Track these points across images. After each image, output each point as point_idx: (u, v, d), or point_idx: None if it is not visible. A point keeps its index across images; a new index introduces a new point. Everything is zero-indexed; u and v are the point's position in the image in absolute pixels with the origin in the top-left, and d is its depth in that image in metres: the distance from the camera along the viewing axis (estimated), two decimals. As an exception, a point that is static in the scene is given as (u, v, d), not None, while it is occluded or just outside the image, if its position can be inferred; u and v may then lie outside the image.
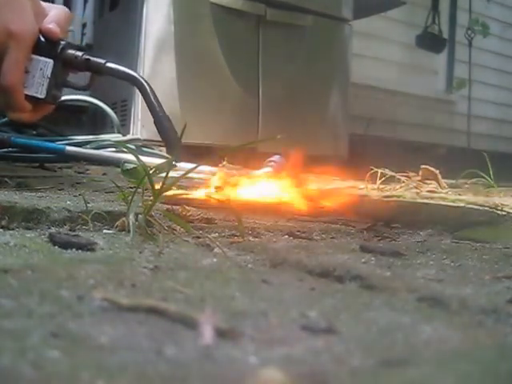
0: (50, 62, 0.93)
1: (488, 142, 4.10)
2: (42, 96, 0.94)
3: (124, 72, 0.97)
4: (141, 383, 0.25)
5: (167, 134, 0.93)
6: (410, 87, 3.79)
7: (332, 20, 2.66)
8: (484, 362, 0.31)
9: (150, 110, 0.94)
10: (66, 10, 1.00)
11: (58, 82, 0.95)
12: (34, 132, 1.73)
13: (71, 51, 0.95)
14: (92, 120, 2.43)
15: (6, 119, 1.60)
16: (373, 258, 0.60)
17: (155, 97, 0.94)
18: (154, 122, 0.94)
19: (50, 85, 0.94)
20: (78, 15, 2.59)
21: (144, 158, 0.75)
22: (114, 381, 0.25)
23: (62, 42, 0.94)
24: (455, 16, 4.15)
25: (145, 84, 0.94)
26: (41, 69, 0.93)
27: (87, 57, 0.95)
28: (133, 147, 1.39)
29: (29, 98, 0.93)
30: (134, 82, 0.96)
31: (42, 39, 0.92)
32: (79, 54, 0.95)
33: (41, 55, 0.93)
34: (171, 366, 0.27)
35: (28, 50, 0.90)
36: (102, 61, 0.95)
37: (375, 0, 3.16)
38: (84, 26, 2.66)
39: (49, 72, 0.93)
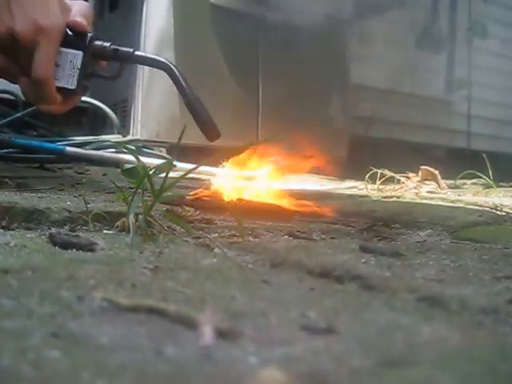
0: (80, 53, 0.95)
1: (488, 143, 4.10)
2: (73, 87, 0.96)
3: (152, 59, 0.98)
4: (141, 383, 0.25)
5: (200, 117, 0.94)
6: (409, 87, 3.79)
7: (332, 21, 2.66)
8: (484, 362, 0.31)
9: (182, 95, 0.95)
10: (88, 4, 1.02)
11: (87, 73, 0.97)
12: (35, 133, 1.73)
13: (99, 42, 0.97)
14: (92, 121, 2.43)
15: (6, 120, 1.60)
16: (373, 259, 0.60)
17: (185, 81, 0.95)
18: (186, 106, 0.95)
19: (80, 76, 0.96)
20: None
21: (144, 159, 0.75)
22: (114, 381, 0.25)
23: (90, 34, 0.96)
24: (455, 17, 4.15)
25: (174, 69, 0.95)
26: (70, 61, 0.95)
27: (115, 47, 0.97)
28: (133, 148, 1.39)
29: (60, 89, 0.95)
30: (163, 67, 0.96)
31: (70, 33, 0.94)
32: (107, 44, 0.97)
33: (69, 48, 0.95)
34: (171, 366, 0.27)
35: (57, 43, 0.92)
36: (130, 50, 0.97)
37: (375, 0, 3.16)
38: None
39: (79, 63, 0.95)
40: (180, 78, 0.94)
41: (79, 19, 0.94)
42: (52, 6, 0.92)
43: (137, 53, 0.97)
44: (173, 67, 0.95)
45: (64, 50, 0.94)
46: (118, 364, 0.27)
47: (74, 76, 0.95)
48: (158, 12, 2.24)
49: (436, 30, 3.89)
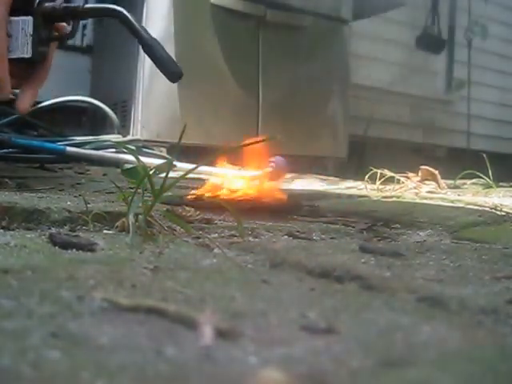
0: (30, 18, 0.91)
1: (487, 143, 4.10)
2: (29, 55, 0.92)
3: (102, 8, 0.97)
4: (141, 383, 0.25)
5: (160, 56, 0.92)
6: (409, 88, 3.79)
7: (331, 21, 2.67)
8: (484, 362, 0.31)
9: (138, 37, 0.93)
10: None
11: (42, 38, 0.93)
12: (35, 133, 1.73)
13: (48, 4, 0.93)
14: (92, 121, 2.44)
15: (7, 120, 1.60)
16: (372, 259, 0.60)
17: (140, 24, 0.94)
18: (143, 48, 0.93)
19: (34, 42, 0.92)
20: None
21: (144, 159, 0.75)
22: (114, 381, 0.25)
23: None
24: (454, 17, 4.15)
25: (126, 14, 0.94)
26: (22, 29, 0.91)
27: (64, 4, 0.93)
28: (133, 148, 1.40)
29: (16, 61, 0.91)
30: (115, 14, 0.95)
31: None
32: (56, 4, 0.93)
33: (19, 15, 0.91)
34: (171, 366, 0.27)
35: (5, 12, 0.88)
36: (80, 4, 0.95)
37: (375, 1, 3.17)
38: (84, 26, 2.66)
39: (30, 29, 0.91)
40: (134, 22, 0.93)
41: None
42: None
43: (87, 6, 0.95)
44: (125, 13, 0.93)
45: (14, 18, 0.90)
46: (118, 364, 0.27)
47: (28, 43, 0.91)
48: (158, 12, 2.24)
49: (436, 30, 3.89)
